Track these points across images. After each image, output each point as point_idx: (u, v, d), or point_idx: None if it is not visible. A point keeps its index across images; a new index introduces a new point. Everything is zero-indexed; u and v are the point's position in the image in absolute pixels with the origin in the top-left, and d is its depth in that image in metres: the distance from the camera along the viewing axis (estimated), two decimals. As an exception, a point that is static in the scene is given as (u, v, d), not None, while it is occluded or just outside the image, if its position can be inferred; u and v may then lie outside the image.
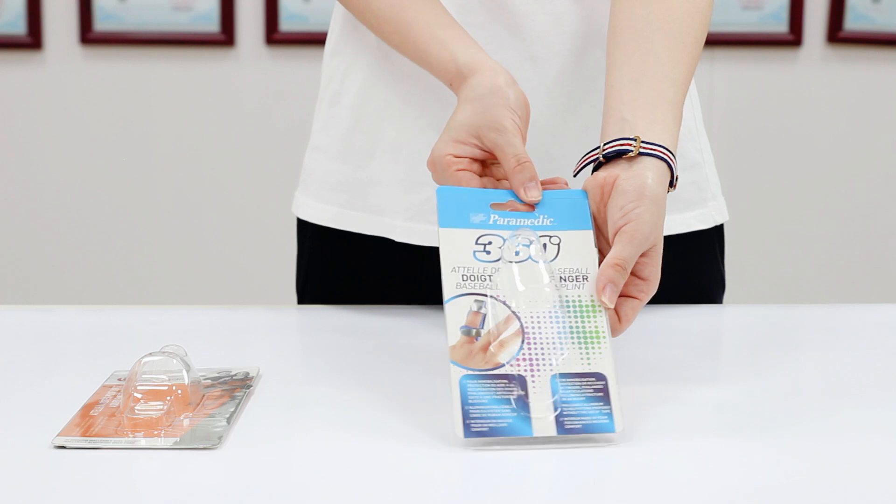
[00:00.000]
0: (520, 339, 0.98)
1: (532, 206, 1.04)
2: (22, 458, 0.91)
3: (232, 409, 0.99)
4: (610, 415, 0.95)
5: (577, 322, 0.99)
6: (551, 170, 1.23)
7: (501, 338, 0.98)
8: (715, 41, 2.96)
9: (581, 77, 1.24)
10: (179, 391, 0.99)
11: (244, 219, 3.04)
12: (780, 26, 2.98)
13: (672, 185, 1.07)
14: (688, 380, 1.10)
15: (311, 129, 1.36)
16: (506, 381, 0.95)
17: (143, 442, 0.93)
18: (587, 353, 0.98)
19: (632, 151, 1.04)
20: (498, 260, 1.01)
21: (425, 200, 1.26)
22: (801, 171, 3.04)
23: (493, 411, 0.94)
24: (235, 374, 1.08)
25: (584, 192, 1.05)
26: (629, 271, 1.01)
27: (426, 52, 1.16)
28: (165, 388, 0.99)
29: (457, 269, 1.00)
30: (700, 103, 1.35)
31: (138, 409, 0.97)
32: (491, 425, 0.93)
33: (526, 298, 0.99)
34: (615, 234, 1.02)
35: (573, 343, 0.98)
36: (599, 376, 0.97)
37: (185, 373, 1.00)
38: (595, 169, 1.07)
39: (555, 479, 0.89)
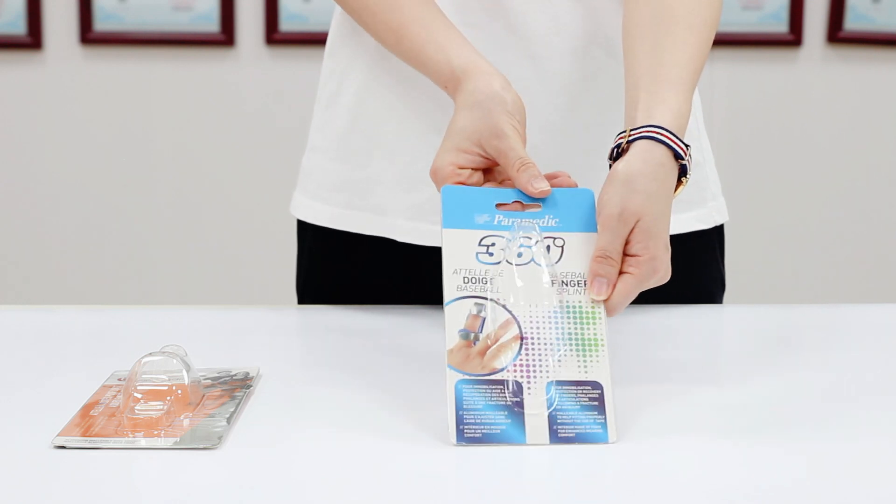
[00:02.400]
0: (518, 344, 0.97)
1: (539, 205, 1.03)
2: (22, 458, 0.91)
3: (232, 409, 0.99)
4: (604, 424, 0.94)
5: (576, 328, 0.99)
6: (551, 168, 1.23)
7: (500, 342, 0.97)
8: (715, 41, 2.94)
9: (580, 76, 1.24)
10: (179, 391, 0.99)
11: (244, 219, 3.04)
12: (780, 26, 2.98)
13: (679, 157, 1.05)
14: (688, 380, 1.10)
15: (310, 130, 1.36)
16: (501, 386, 0.95)
17: (143, 442, 0.93)
18: (585, 361, 0.98)
19: (622, 143, 1.05)
20: (500, 262, 1.00)
21: (426, 200, 1.26)
22: (801, 171, 3.04)
23: (488, 417, 0.94)
24: (235, 374, 1.08)
25: (591, 191, 1.05)
26: (615, 258, 1.01)
27: (421, 53, 1.16)
28: (165, 388, 0.99)
29: (458, 271, 1.00)
30: (700, 103, 1.35)
31: (138, 409, 0.97)
32: (484, 431, 0.93)
33: (526, 302, 0.99)
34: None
35: (571, 350, 0.98)
36: (595, 385, 0.97)
37: (185, 373, 1.00)
38: None
39: (554, 480, 0.89)
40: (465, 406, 0.94)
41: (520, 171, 1.04)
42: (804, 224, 3.06)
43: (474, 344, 0.97)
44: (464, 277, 0.99)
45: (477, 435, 0.93)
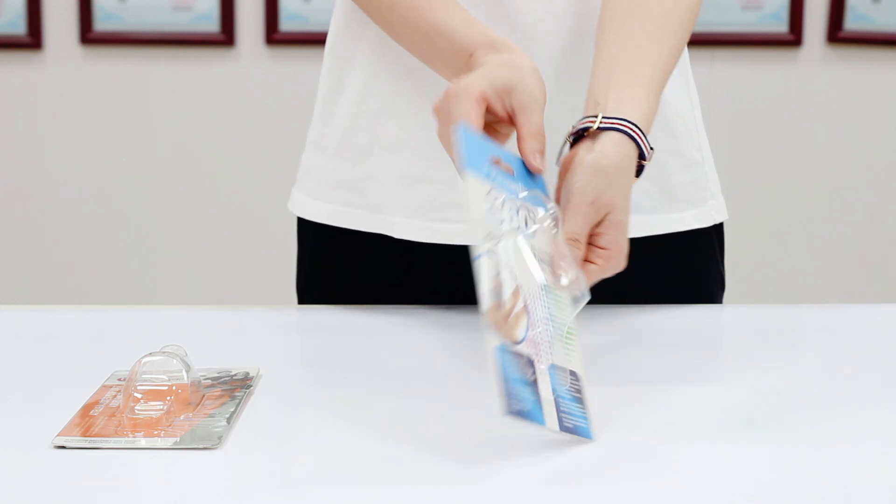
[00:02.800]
0: (525, 318, 0.93)
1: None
2: (22, 458, 0.91)
3: (232, 409, 0.99)
4: (587, 419, 0.94)
5: (554, 311, 0.96)
6: (550, 167, 1.24)
7: (515, 312, 0.92)
8: (715, 41, 2.96)
9: (580, 75, 1.24)
10: (179, 391, 0.99)
11: (244, 219, 3.04)
12: (780, 26, 2.98)
13: (643, 157, 1.06)
14: (687, 380, 1.10)
15: (310, 127, 1.36)
16: (524, 360, 0.91)
17: (143, 442, 0.93)
18: (566, 348, 0.96)
19: (592, 127, 1.05)
20: (502, 223, 0.95)
21: (425, 197, 1.26)
22: (801, 171, 3.04)
23: (519, 391, 0.89)
24: (235, 374, 1.08)
25: None
26: (583, 242, 1.01)
27: (447, 25, 1.14)
28: (165, 388, 0.99)
29: (480, 222, 0.93)
30: (700, 103, 1.35)
31: (138, 409, 0.97)
32: (520, 407, 0.89)
33: (525, 273, 0.95)
34: (564, 210, 1.02)
35: (557, 333, 0.95)
36: (575, 375, 0.95)
37: (185, 373, 1.00)
38: None
39: (553, 480, 0.89)
40: (506, 377, 0.88)
41: (532, 134, 1.02)
42: (804, 224, 3.06)
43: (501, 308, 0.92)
44: (484, 232, 0.93)
45: (517, 409, 0.88)
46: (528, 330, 0.92)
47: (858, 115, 3.02)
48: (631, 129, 1.05)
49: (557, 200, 1.04)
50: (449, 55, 1.14)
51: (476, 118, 1.01)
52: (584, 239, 1.01)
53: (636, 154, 1.06)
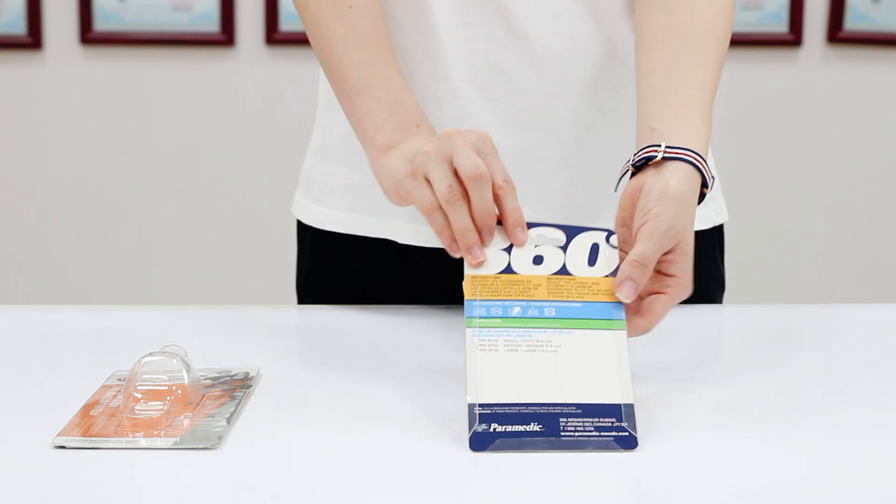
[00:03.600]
0: None
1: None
2: (22, 458, 0.91)
3: (232, 409, 0.99)
4: None
5: None
6: (550, 165, 1.24)
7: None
8: (715, 41, 2.95)
9: (581, 77, 1.24)
10: (179, 391, 0.99)
11: (244, 219, 3.04)
12: (780, 26, 2.98)
13: (705, 185, 1.08)
14: (687, 380, 1.10)
15: (312, 131, 1.36)
16: None
17: (143, 442, 0.93)
18: None
19: (657, 157, 1.06)
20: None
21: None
22: (801, 171, 3.04)
23: None
24: (235, 374, 1.08)
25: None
26: (650, 268, 1.02)
27: (397, 82, 1.17)
28: (165, 388, 0.99)
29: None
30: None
31: (138, 409, 0.97)
32: None
33: None
34: (636, 235, 1.03)
35: None
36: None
37: (185, 373, 1.00)
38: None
39: (553, 481, 0.89)
40: None
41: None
42: (804, 224, 3.06)
43: None
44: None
45: None
46: None
47: (858, 115, 3.02)
48: (696, 158, 1.07)
49: (623, 225, 1.06)
50: (390, 107, 1.15)
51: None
52: (651, 266, 1.02)
53: (699, 183, 1.07)
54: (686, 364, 1.14)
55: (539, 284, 1.02)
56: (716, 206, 1.34)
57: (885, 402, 1.04)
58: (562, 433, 0.92)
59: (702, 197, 1.08)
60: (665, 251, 1.03)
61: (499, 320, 0.99)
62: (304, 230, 1.37)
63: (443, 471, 0.90)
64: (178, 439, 0.93)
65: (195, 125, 3.01)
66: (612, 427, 0.93)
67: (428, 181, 1.06)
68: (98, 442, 0.93)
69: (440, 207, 1.05)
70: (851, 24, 2.97)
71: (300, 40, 2.95)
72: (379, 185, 1.29)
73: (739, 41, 2.96)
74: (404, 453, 0.92)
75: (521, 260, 1.03)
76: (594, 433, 0.92)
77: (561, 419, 0.93)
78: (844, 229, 3.06)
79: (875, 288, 3.06)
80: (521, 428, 0.92)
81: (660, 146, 1.07)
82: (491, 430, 0.92)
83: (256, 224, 3.03)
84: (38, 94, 3.00)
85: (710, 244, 1.35)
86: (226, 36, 2.97)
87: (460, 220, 1.04)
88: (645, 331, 1.04)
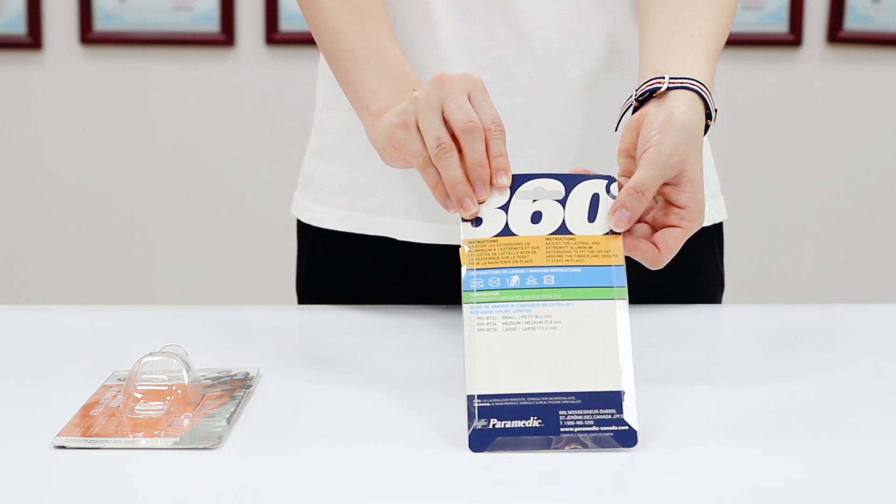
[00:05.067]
0: None
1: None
2: (22, 458, 0.91)
3: (232, 409, 0.99)
4: None
5: None
6: (549, 162, 1.24)
7: None
8: (715, 41, 2.95)
9: (580, 74, 1.24)
10: (179, 391, 0.99)
11: (244, 219, 3.04)
12: (780, 26, 2.98)
13: (710, 117, 1.07)
14: (686, 380, 1.10)
15: (311, 131, 1.36)
16: None
17: (143, 442, 0.93)
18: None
19: (661, 88, 1.05)
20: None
21: (425, 199, 1.26)
22: (801, 171, 3.04)
23: None
24: (235, 374, 1.08)
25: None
26: (647, 196, 1.00)
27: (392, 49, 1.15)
28: (165, 388, 0.99)
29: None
30: (700, 103, 1.35)
31: (138, 409, 0.97)
32: None
33: None
34: (638, 163, 1.02)
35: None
36: None
37: (185, 373, 1.00)
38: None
39: (553, 481, 0.89)
40: None
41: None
42: (804, 224, 3.06)
43: None
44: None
45: None
46: None
47: (858, 115, 3.02)
48: (700, 87, 1.05)
49: (627, 156, 1.05)
50: (386, 74, 1.13)
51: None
52: (649, 194, 1.00)
53: (704, 113, 1.06)
54: (685, 364, 1.14)
55: (538, 247, 0.99)
56: (715, 205, 1.34)
57: (885, 402, 1.04)
58: (561, 428, 0.92)
59: (706, 129, 1.07)
60: (667, 179, 1.01)
61: (497, 293, 0.97)
62: (304, 230, 1.37)
63: (442, 471, 0.90)
64: (178, 439, 0.93)
65: (195, 125, 3.01)
66: (612, 420, 0.92)
67: (419, 131, 1.03)
68: (98, 442, 0.93)
69: (432, 162, 1.02)
70: (851, 24, 2.97)
71: (300, 40, 2.95)
72: (376, 184, 1.29)
73: (739, 41, 2.96)
74: (404, 453, 0.92)
75: (518, 218, 1.00)
76: (594, 427, 0.92)
77: (560, 412, 0.93)
78: (844, 229, 3.06)
79: (875, 288, 3.06)
80: (520, 423, 0.92)
81: (664, 78, 1.06)
82: (490, 426, 0.92)
83: (256, 224, 3.03)
84: (38, 94, 3.00)
85: (709, 243, 1.35)
86: (226, 36, 2.97)
87: (450, 172, 1.00)
88: (658, 264, 1.01)
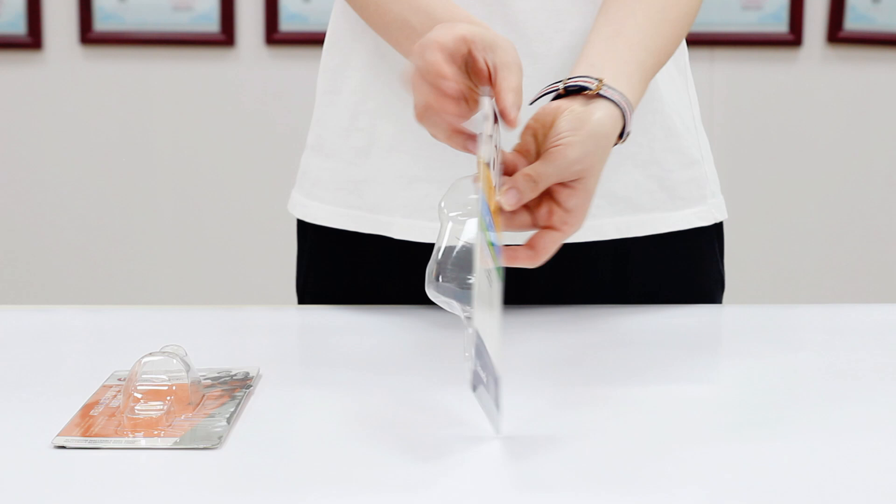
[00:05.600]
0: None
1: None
2: (22, 458, 0.91)
3: (232, 409, 0.99)
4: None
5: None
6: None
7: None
8: (715, 41, 2.96)
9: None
10: (179, 391, 0.99)
11: (244, 219, 3.04)
12: (780, 26, 2.97)
13: (621, 136, 1.07)
14: (687, 380, 1.10)
15: (309, 128, 1.36)
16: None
17: (143, 442, 0.93)
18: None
19: (591, 89, 1.05)
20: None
21: (423, 197, 1.26)
22: (801, 171, 3.04)
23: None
24: (235, 374, 1.08)
25: None
26: (539, 188, 1.01)
27: (426, 3, 1.16)
28: (165, 388, 0.99)
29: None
30: (700, 103, 1.35)
31: (138, 409, 0.97)
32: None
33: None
34: (540, 154, 1.03)
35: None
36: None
37: (185, 373, 1.00)
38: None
39: (553, 482, 0.89)
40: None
41: (513, 91, 1.01)
42: (804, 224, 3.06)
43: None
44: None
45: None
46: None
47: (858, 115, 3.02)
48: (626, 106, 1.07)
49: (532, 135, 1.04)
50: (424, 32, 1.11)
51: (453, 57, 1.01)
52: (543, 185, 1.01)
53: (619, 130, 1.07)
54: (685, 364, 1.14)
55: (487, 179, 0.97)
56: (716, 204, 1.33)
57: (885, 402, 1.04)
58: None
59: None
60: (563, 181, 1.02)
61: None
62: (303, 229, 1.37)
63: (442, 471, 0.90)
64: (178, 439, 0.93)
65: (195, 125, 3.01)
66: None
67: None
68: (98, 442, 0.93)
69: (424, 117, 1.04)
70: (851, 24, 2.97)
71: (300, 40, 2.95)
72: (374, 181, 1.29)
73: (739, 41, 2.96)
74: (404, 453, 0.92)
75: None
76: None
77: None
78: (844, 229, 3.06)
79: (875, 288, 3.06)
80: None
81: (596, 80, 1.06)
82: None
83: (256, 224, 3.02)
84: (38, 94, 3.00)
85: (709, 243, 1.35)
86: (226, 36, 2.97)
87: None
88: (533, 264, 1.03)
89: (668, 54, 1.16)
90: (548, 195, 1.04)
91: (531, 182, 1.01)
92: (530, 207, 1.04)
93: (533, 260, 1.04)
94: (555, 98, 1.07)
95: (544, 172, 1.01)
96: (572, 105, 1.05)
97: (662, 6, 1.15)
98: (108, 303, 2.92)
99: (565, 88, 1.06)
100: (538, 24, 1.22)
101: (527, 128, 1.06)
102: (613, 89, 1.06)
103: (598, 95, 1.05)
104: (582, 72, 1.08)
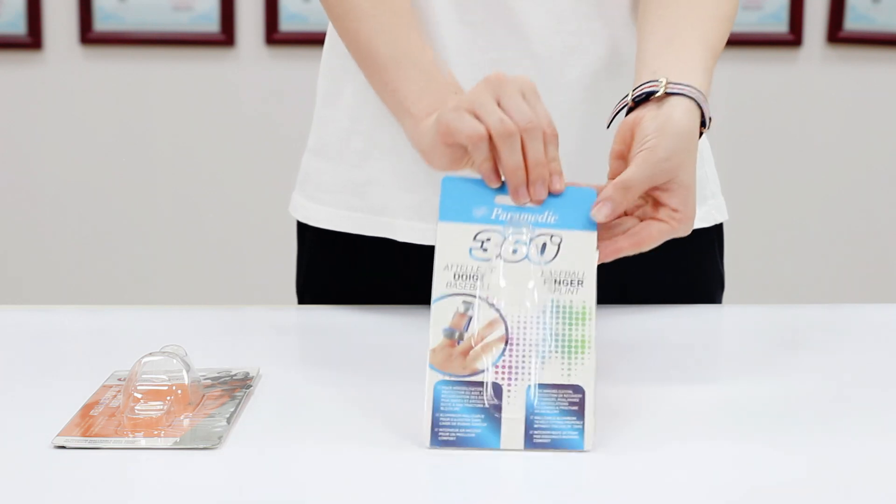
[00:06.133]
0: (503, 345, 0.95)
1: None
2: (22, 458, 0.91)
3: (232, 409, 0.99)
4: (581, 431, 0.93)
5: (564, 329, 0.96)
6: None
7: (483, 342, 0.95)
8: (715, 41, 2.95)
9: (581, 76, 1.24)
10: (179, 391, 0.99)
11: (244, 219, 3.04)
12: (780, 26, 2.98)
13: (704, 124, 1.07)
14: (687, 380, 1.10)
15: (310, 131, 1.36)
16: (480, 388, 0.94)
17: (143, 442, 0.93)
18: (569, 363, 0.95)
19: (658, 91, 1.05)
20: (492, 259, 0.98)
21: (425, 200, 1.26)
22: (801, 171, 3.04)
23: (464, 420, 0.93)
24: (235, 374, 1.08)
25: (593, 190, 1.02)
26: (633, 194, 1.01)
27: (426, 59, 1.16)
28: (165, 388, 0.99)
29: (450, 266, 0.98)
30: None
31: (138, 409, 0.97)
32: (459, 434, 0.92)
33: (511, 301, 0.97)
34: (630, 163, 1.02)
35: (556, 351, 0.96)
36: (577, 389, 0.95)
37: (185, 373, 1.00)
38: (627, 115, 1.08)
39: (553, 482, 0.89)
40: (441, 408, 0.93)
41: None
42: (804, 224, 3.06)
43: (458, 343, 0.96)
44: (455, 273, 0.98)
45: (451, 438, 0.92)
46: (501, 356, 0.95)
47: (858, 115, 3.02)
48: (697, 95, 1.06)
49: (619, 158, 1.04)
50: (427, 76, 1.14)
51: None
52: (636, 192, 1.01)
53: (699, 121, 1.06)
54: (685, 364, 1.14)
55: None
56: (716, 205, 1.34)
57: (885, 402, 1.04)
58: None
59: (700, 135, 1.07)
60: (657, 183, 1.02)
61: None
62: (303, 230, 1.37)
63: (442, 471, 0.90)
64: (178, 439, 0.93)
65: (195, 125, 3.01)
66: None
67: (476, 116, 1.02)
68: (98, 442, 0.93)
69: (488, 139, 1.01)
70: (851, 24, 2.97)
71: (300, 40, 2.95)
72: (375, 184, 1.29)
73: (739, 41, 2.96)
74: (404, 453, 0.92)
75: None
76: None
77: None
78: (844, 229, 3.06)
79: (875, 288, 3.06)
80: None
81: (661, 81, 1.06)
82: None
83: (256, 224, 3.03)
84: (38, 94, 3.00)
85: (709, 243, 1.35)
86: (226, 36, 2.97)
87: (514, 156, 1.00)
88: (637, 251, 1.02)
89: (720, 44, 1.15)
90: (648, 199, 1.04)
91: (622, 189, 1.00)
92: (631, 213, 1.04)
93: (637, 248, 1.02)
94: (627, 112, 1.07)
95: (634, 177, 1.01)
96: (647, 111, 1.05)
97: (716, 4, 1.15)
98: (108, 303, 2.91)
99: (634, 100, 1.07)
100: (538, 24, 1.22)
101: (612, 153, 1.06)
102: (681, 84, 1.06)
103: (668, 94, 1.05)
104: (645, 79, 1.08)
